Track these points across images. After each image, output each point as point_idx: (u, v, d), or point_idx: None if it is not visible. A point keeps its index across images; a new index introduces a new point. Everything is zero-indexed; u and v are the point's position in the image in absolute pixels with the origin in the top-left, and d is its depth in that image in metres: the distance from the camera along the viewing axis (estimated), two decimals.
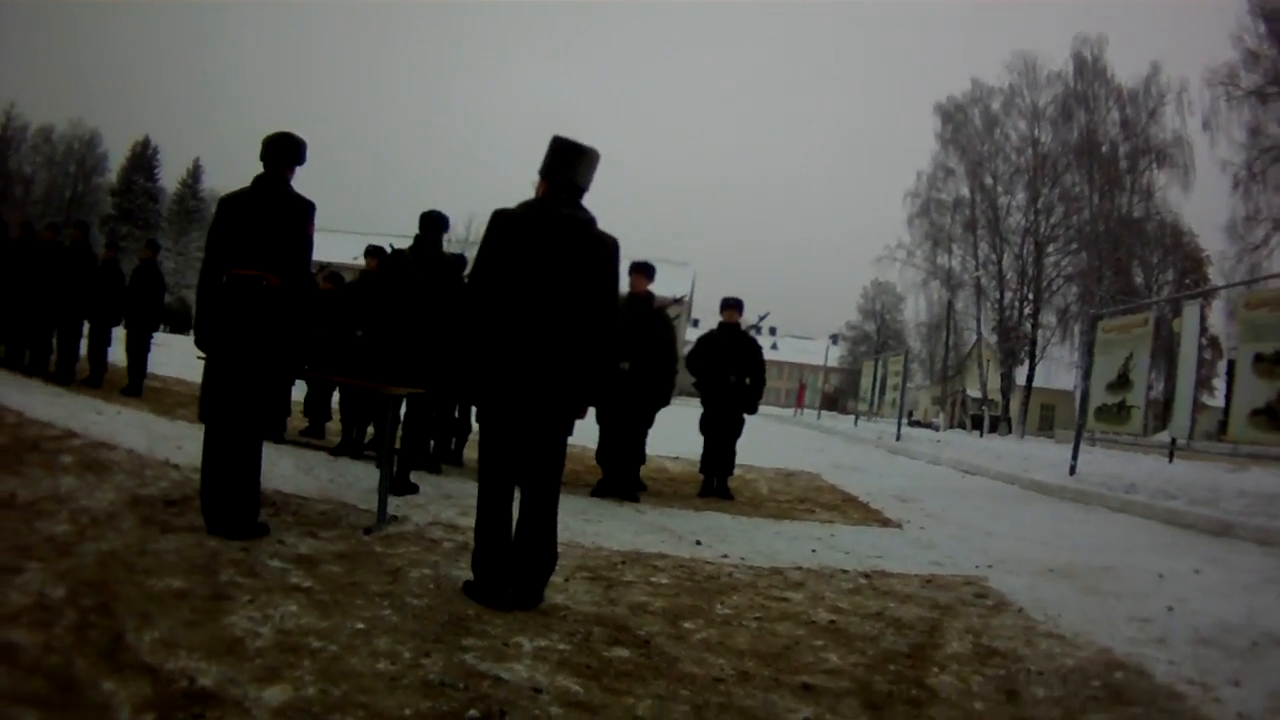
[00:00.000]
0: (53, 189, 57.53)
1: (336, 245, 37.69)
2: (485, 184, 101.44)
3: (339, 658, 2.52)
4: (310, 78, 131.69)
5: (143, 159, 60.27)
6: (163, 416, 7.35)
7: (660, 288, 6.92)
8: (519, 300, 3.27)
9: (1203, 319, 8.46)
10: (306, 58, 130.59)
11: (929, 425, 39.61)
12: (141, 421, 6.67)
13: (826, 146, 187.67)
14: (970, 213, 41.30)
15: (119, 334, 9.63)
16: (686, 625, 3.31)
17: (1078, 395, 35.08)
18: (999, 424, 38.46)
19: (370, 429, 6.63)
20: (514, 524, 3.35)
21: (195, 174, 62.19)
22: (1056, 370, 41.16)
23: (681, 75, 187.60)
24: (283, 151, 3.93)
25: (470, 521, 4.23)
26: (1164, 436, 16.92)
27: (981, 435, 29.72)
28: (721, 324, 7.31)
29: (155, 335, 9.66)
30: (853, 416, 29.20)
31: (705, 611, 3.53)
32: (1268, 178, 23.62)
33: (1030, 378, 39.85)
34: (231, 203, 3.89)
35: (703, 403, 7.25)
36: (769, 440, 9.94)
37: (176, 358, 9.58)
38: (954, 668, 3.20)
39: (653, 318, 6.42)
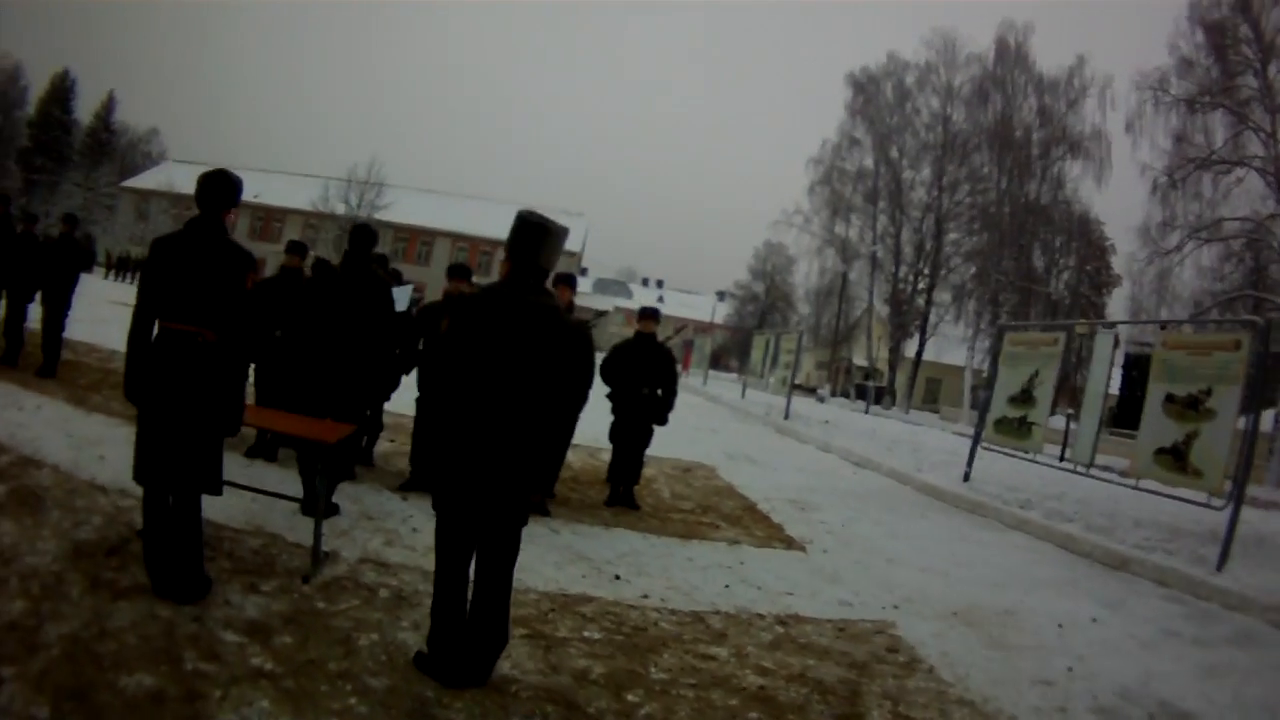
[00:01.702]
0: None
1: None
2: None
3: None
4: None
5: (61, 91, 63.15)
6: (80, 408, 7.61)
7: None
8: (479, 390, 3.39)
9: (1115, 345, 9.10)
10: None
11: (813, 392, 41.12)
12: (61, 419, 6.99)
13: (735, 106, 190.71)
14: (873, 184, 43.11)
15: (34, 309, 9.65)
16: (630, 698, 3.63)
17: (967, 392, 37.00)
18: (884, 396, 40.20)
19: None
20: (469, 600, 3.54)
21: (109, 107, 65.75)
22: (945, 346, 43.41)
23: (597, 21, 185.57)
24: (218, 194, 3.92)
25: (397, 556, 4.92)
26: (1057, 421, 18.02)
27: (867, 410, 30.99)
28: (638, 333, 7.55)
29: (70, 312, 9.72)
30: (740, 383, 30.00)
31: (642, 678, 3.86)
32: (1187, 186, 24.95)
33: (920, 352, 41.88)
34: (165, 247, 3.86)
35: (614, 412, 7.55)
36: None
37: (84, 310, 9.53)
38: None
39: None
